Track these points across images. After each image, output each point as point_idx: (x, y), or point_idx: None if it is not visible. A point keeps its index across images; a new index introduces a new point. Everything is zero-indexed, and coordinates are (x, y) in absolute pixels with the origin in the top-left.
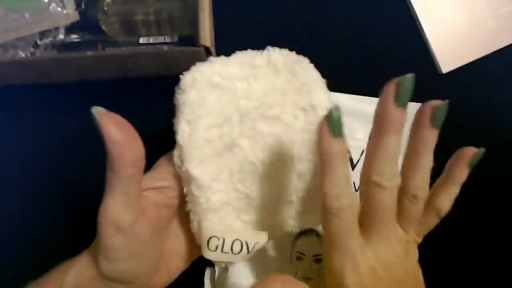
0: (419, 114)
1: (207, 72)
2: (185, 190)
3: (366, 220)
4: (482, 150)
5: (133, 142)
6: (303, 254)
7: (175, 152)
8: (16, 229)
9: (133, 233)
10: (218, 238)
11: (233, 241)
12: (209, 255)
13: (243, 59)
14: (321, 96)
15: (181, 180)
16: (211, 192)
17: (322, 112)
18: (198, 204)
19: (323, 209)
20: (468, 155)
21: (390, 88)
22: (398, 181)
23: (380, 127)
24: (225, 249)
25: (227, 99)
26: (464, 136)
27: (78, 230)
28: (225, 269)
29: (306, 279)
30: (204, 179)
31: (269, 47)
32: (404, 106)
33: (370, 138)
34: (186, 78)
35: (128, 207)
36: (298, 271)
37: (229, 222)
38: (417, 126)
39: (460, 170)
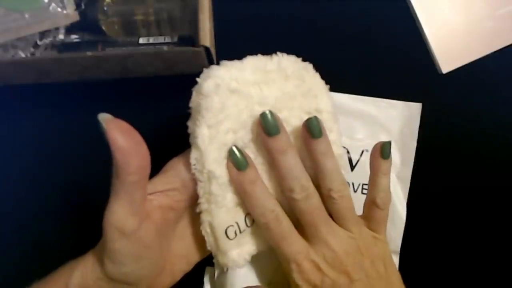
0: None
1: (226, 77)
2: (201, 192)
3: (302, 227)
4: (388, 141)
5: (139, 149)
6: None
7: (193, 155)
8: (17, 229)
9: (137, 237)
10: (233, 225)
11: (245, 218)
12: (229, 248)
13: (255, 64)
14: (325, 101)
15: (193, 183)
16: (228, 190)
17: (326, 115)
18: (215, 203)
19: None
20: (378, 147)
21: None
22: (309, 190)
23: (275, 149)
24: (242, 228)
25: (243, 105)
26: (464, 136)
27: (79, 229)
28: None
29: None
30: (225, 177)
31: (278, 53)
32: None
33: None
34: (209, 84)
35: (133, 212)
36: None
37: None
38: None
39: (376, 161)
